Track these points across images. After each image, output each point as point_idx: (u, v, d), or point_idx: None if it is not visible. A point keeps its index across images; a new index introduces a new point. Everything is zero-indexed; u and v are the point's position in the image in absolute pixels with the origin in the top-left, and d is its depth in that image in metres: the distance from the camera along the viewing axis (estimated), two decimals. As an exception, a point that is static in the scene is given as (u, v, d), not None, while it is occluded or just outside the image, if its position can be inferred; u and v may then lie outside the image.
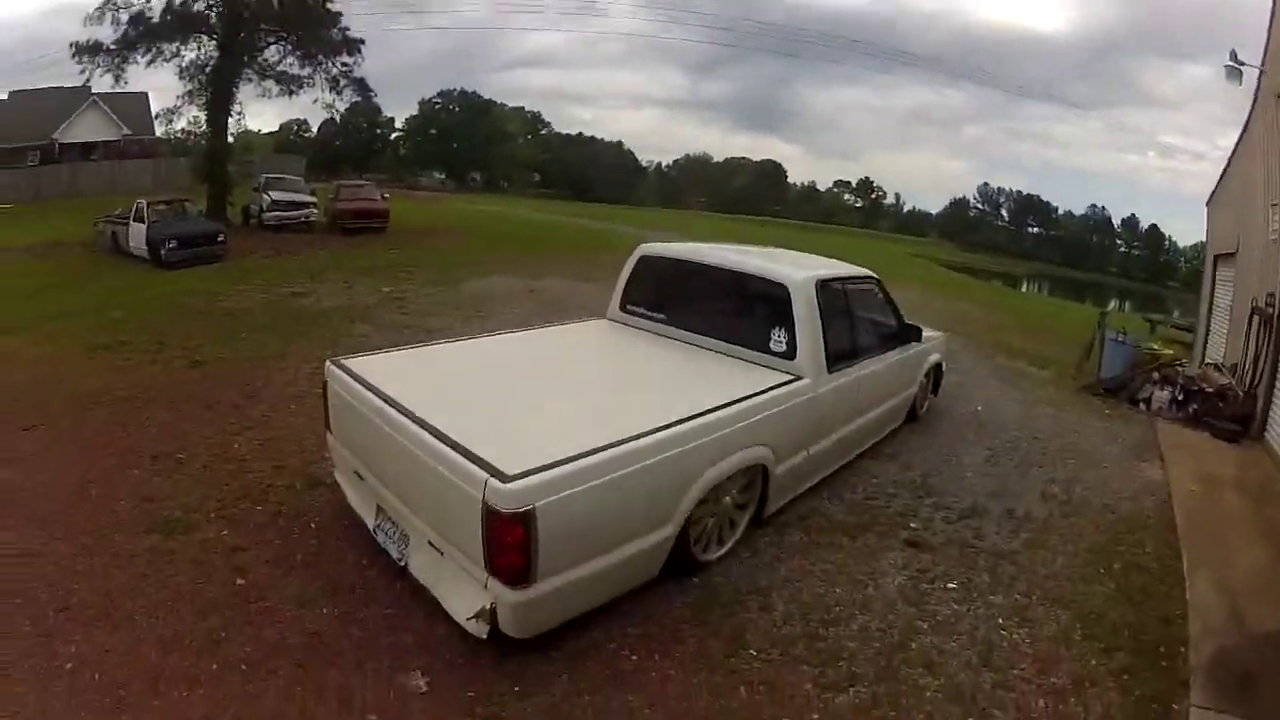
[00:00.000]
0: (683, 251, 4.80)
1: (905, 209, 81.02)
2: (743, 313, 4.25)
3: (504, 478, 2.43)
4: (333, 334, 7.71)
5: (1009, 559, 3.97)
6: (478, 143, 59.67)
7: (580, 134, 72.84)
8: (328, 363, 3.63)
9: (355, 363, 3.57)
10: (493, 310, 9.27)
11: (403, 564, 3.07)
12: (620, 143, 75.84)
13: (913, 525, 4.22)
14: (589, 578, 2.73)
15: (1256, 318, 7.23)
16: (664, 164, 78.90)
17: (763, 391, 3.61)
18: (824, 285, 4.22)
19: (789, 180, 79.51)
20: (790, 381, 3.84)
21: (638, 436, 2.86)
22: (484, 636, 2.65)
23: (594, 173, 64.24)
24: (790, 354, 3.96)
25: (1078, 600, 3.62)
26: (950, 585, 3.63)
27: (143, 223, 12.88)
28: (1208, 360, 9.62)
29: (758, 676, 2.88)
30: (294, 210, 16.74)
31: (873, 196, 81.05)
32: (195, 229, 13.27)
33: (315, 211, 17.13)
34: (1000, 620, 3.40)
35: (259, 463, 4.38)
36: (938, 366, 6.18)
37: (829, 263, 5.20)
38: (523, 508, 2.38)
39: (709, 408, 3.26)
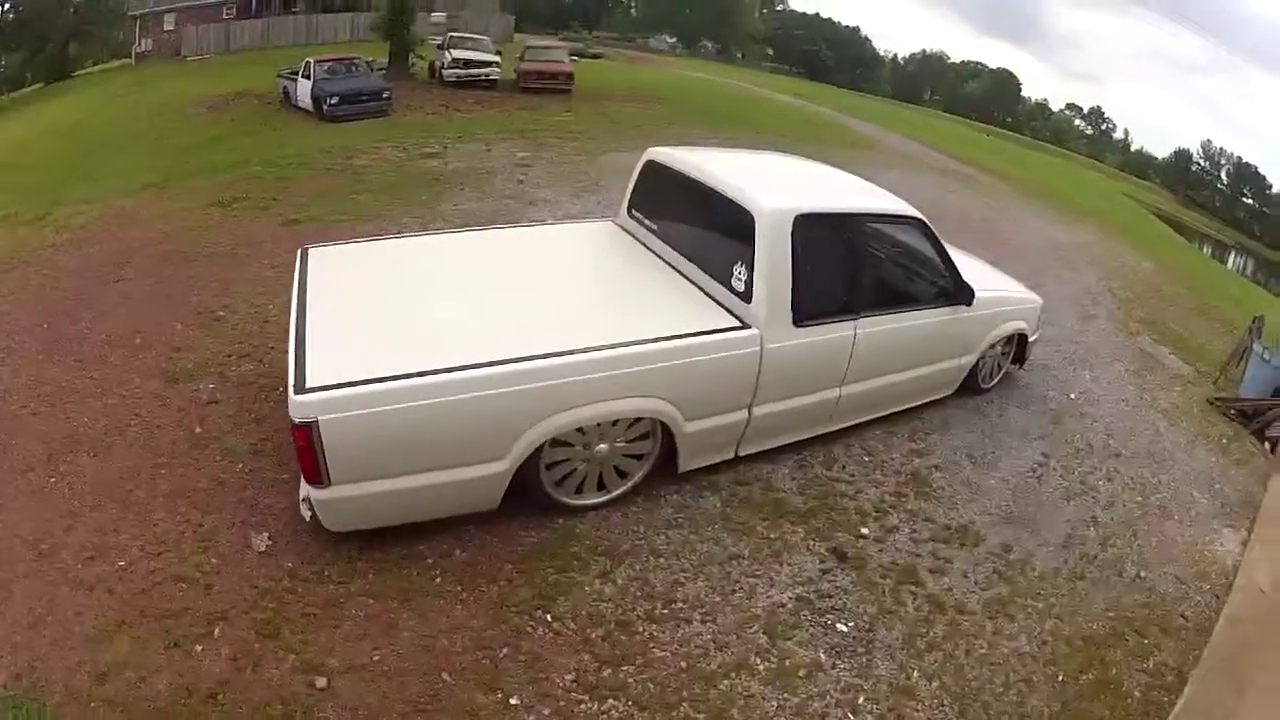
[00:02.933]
0: (679, 159, 3.42)
1: (1132, 147, 60.84)
2: (719, 239, 3.00)
3: (299, 389, 2.18)
4: (432, 200, 6.66)
5: (949, 617, 2.63)
6: (712, 10, 50.93)
7: (818, 14, 59.60)
8: (300, 250, 3.15)
9: (322, 251, 3.14)
10: (611, 189, 7.69)
11: None
12: (858, 28, 61.24)
13: (863, 531, 2.95)
14: (397, 493, 2.32)
15: None
16: (900, 56, 63.47)
17: (672, 338, 2.56)
18: (812, 219, 2.82)
19: (1022, 93, 61.86)
20: (730, 330, 2.69)
21: (465, 368, 2.30)
22: (307, 519, 2.45)
23: (829, 55, 53.82)
24: (746, 297, 2.76)
25: (992, 714, 2.30)
26: (840, 627, 2.48)
27: (309, 79, 11.78)
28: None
29: (532, 645, 2.25)
30: (473, 69, 15.02)
31: (1102, 127, 62.14)
32: (358, 86, 11.83)
33: (498, 71, 15.26)
34: (860, 703, 2.25)
35: (279, 325, 4.07)
36: (1021, 336, 4.21)
37: (855, 190, 3.58)
38: (306, 419, 2.12)
39: (576, 348, 2.41)
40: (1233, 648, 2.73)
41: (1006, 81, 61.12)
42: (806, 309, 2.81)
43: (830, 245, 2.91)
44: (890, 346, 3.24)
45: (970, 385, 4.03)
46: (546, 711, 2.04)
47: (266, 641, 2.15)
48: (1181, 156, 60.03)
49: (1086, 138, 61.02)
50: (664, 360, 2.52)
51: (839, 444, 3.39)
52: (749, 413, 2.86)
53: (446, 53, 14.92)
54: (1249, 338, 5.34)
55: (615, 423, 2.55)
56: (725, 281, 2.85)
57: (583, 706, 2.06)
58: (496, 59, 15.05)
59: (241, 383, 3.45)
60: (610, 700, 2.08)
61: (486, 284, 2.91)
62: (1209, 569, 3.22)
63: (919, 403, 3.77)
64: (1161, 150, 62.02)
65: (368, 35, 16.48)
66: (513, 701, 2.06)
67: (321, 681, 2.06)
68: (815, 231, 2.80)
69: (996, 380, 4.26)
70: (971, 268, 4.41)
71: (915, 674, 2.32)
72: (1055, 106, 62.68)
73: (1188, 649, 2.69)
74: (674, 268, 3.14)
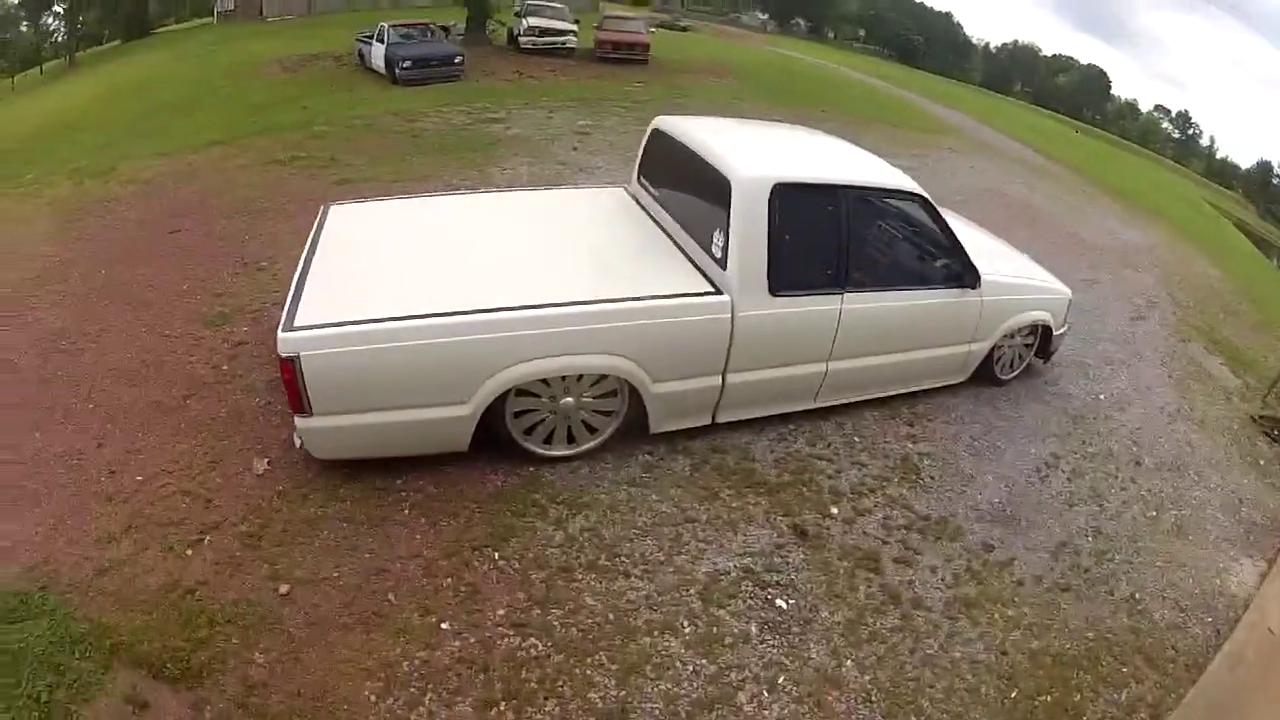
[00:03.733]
0: (679, 128, 3.22)
1: (1217, 154, 54.75)
2: (705, 206, 2.81)
3: (287, 327, 2.28)
4: (485, 163, 6.50)
5: (902, 610, 2.40)
6: None
7: None
8: (323, 206, 3.20)
9: (343, 208, 3.19)
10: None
11: None
12: (950, 14, 56.95)
13: (832, 511, 2.72)
14: (372, 427, 2.39)
15: None
16: (992, 45, 58.02)
17: (637, 299, 2.46)
18: (793, 189, 2.62)
19: (1111, 91, 56.41)
20: (700, 295, 2.55)
21: (432, 316, 2.33)
22: (298, 447, 2.54)
23: (920, 39, 49.09)
24: (723, 264, 2.61)
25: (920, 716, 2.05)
26: (780, 603, 2.31)
27: (383, 43, 11.48)
28: None
29: (475, 578, 2.27)
30: (549, 36, 14.46)
31: (1189, 132, 56.40)
32: (430, 51, 11.54)
33: (574, 39, 14.70)
34: (780, 682, 2.08)
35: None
36: (1045, 329, 3.77)
37: (852, 163, 3.27)
38: (289, 353, 2.22)
39: (538, 303, 2.37)
40: (1224, 692, 2.38)
41: (1097, 78, 56.18)
42: (784, 279, 2.63)
43: (814, 216, 2.69)
44: (882, 325, 2.96)
45: (986, 375, 3.66)
46: (471, 639, 2.04)
47: (247, 551, 2.25)
48: (1263, 168, 53.64)
49: (1173, 141, 55.85)
50: (626, 320, 2.44)
51: (830, 421, 3.17)
52: (723, 379, 2.70)
53: (523, 20, 14.46)
54: None
55: (580, 378, 2.47)
56: (707, 248, 2.70)
57: (505, 640, 2.05)
58: (573, 27, 14.52)
59: (271, 327, 3.58)
60: (533, 639, 2.06)
61: (483, 243, 2.89)
62: (1215, 599, 2.81)
63: (922, 387, 3.46)
64: (1246, 160, 55.23)
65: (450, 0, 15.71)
66: (444, 626, 2.08)
67: (285, 588, 2.14)
68: (797, 201, 2.60)
69: (1017, 372, 3.85)
70: (994, 252, 3.94)
71: (848, 663, 2.14)
72: (1144, 107, 57.12)
73: (1172, 685, 2.36)
74: (667, 233, 2.99)
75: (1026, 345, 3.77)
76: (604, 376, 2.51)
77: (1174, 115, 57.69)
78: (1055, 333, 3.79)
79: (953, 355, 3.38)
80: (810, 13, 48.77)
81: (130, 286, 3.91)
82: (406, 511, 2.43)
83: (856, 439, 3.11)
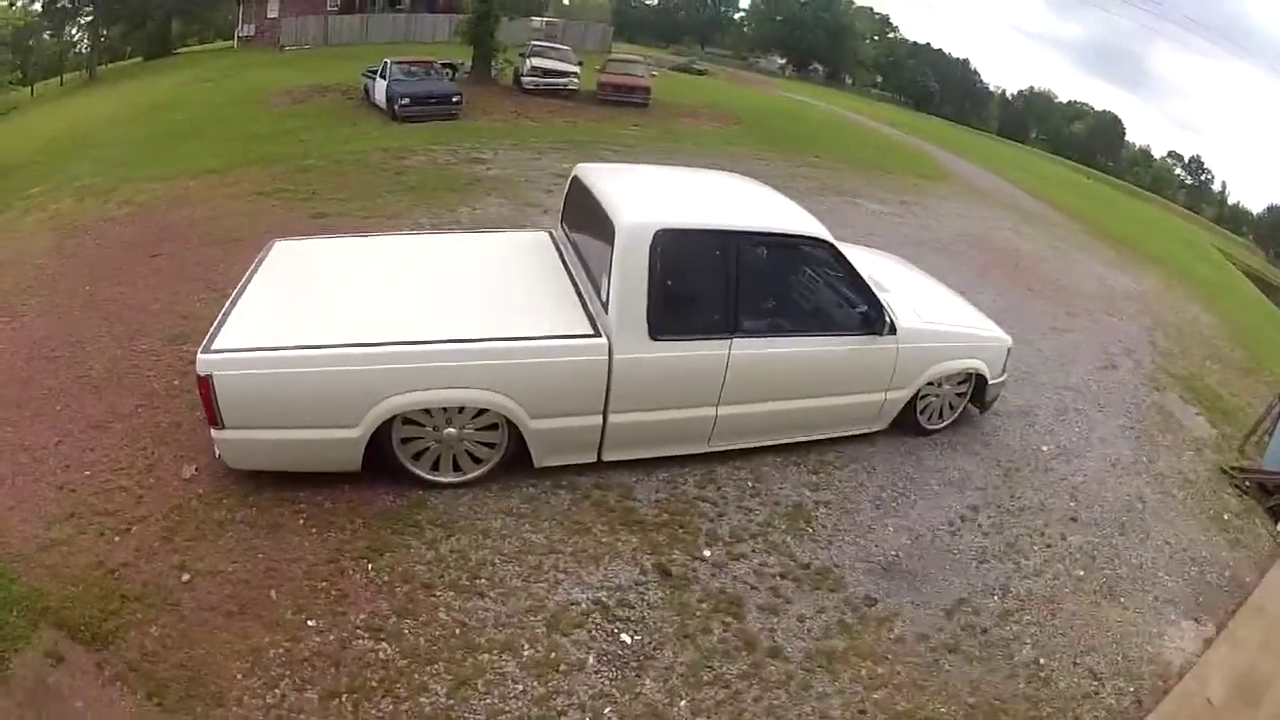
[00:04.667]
0: (589, 173, 3.39)
1: (1229, 200, 51.96)
2: (599, 250, 2.94)
3: (206, 349, 2.50)
4: (456, 202, 6.66)
5: (755, 659, 2.34)
6: (823, 34, 47.27)
7: (928, 44, 54.89)
8: (270, 242, 3.43)
9: (287, 244, 3.43)
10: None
11: None
12: (967, 61, 56.70)
13: (704, 554, 2.72)
14: (275, 442, 2.61)
15: None
16: (1008, 93, 57.13)
17: (515, 339, 2.62)
18: (678, 234, 2.71)
19: (1126, 138, 54.32)
20: (578, 337, 2.67)
21: (327, 347, 2.55)
22: (218, 456, 2.76)
23: (937, 86, 48.31)
24: (605, 307, 2.72)
25: None
26: (625, 638, 2.34)
27: (385, 79, 11.52)
28: None
29: (347, 585, 2.42)
30: (551, 78, 14.33)
31: (1201, 178, 53.77)
32: (430, 89, 11.55)
33: (576, 81, 14.55)
34: (605, 713, 2.12)
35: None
36: (979, 376, 3.60)
37: (753, 209, 3.29)
38: (204, 372, 2.45)
39: (422, 339, 2.57)
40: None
41: (1110, 125, 54.32)
42: (665, 323, 2.72)
43: (701, 262, 2.78)
44: (778, 371, 2.99)
45: (910, 424, 3.56)
46: (331, 637, 2.20)
47: (163, 542, 2.50)
48: (1274, 213, 50.01)
49: (1185, 187, 53.28)
50: (502, 358, 2.59)
51: (727, 465, 3.19)
52: (604, 419, 2.80)
53: (527, 60, 14.48)
54: (1278, 402, 4.03)
55: (461, 410, 2.64)
56: (597, 291, 2.84)
57: (359, 642, 2.20)
58: (576, 69, 14.51)
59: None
60: (384, 643, 2.20)
61: (399, 282, 3.10)
62: (1143, 667, 2.60)
63: (832, 435, 3.42)
64: (1257, 206, 52.01)
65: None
66: (310, 623, 2.25)
67: (187, 577, 2.37)
68: (683, 247, 2.71)
69: (947, 422, 3.73)
70: (928, 297, 3.87)
71: (682, 704, 2.16)
72: (1158, 153, 54.81)
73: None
74: (571, 277, 3.14)
75: (958, 394, 3.67)
76: (483, 410, 2.65)
77: (1186, 161, 55.34)
78: (990, 381, 3.66)
79: (864, 403, 3.35)
80: (828, 59, 48.39)
81: (108, 303, 4.26)
82: (301, 521, 2.63)
83: (750, 484, 3.12)
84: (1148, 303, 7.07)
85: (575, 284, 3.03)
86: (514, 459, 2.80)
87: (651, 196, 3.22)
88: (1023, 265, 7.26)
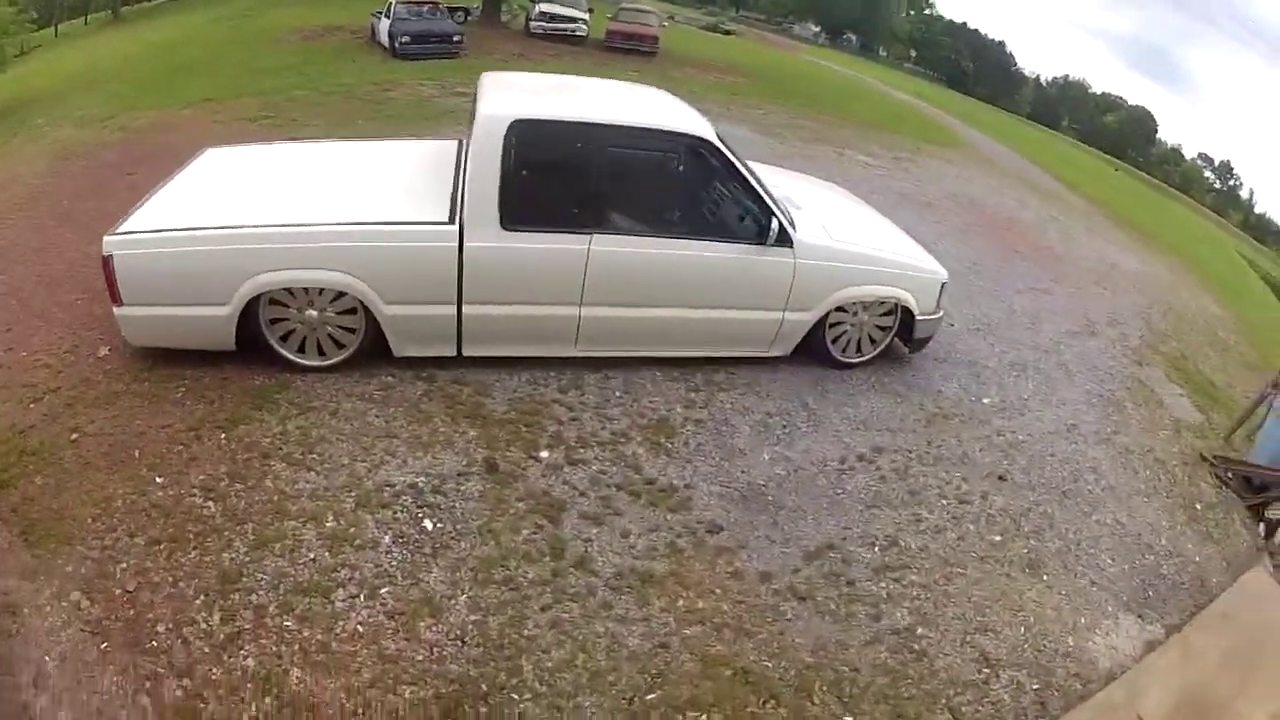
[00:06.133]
0: (489, 77, 3.01)
1: (1256, 209, 44.55)
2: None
3: (111, 233, 2.49)
4: (424, 129, 5.97)
5: (557, 566, 2.03)
6: (857, 4, 42.13)
7: (965, 24, 49.39)
8: (204, 148, 3.35)
9: (219, 150, 3.31)
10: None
11: None
12: (1003, 43, 51.24)
13: (541, 455, 2.46)
14: (163, 319, 2.59)
15: None
16: (1043, 78, 51.71)
17: (364, 223, 2.46)
18: (536, 125, 2.47)
19: (1157, 136, 47.82)
20: (428, 224, 2.49)
21: (204, 229, 2.48)
22: (123, 335, 2.80)
23: (971, 65, 42.39)
24: (463, 196, 2.55)
25: (513, 685, 1.72)
26: (426, 524, 2.13)
27: (388, 18, 10.98)
28: None
29: (197, 450, 2.32)
30: (557, 23, 13.23)
31: (1230, 183, 46.81)
32: (430, 28, 10.87)
33: (584, 28, 13.45)
34: (381, 592, 1.89)
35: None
36: (905, 311, 2.98)
37: (627, 104, 2.91)
38: (106, 253, 2.46)
39: (282, 222, 2.49)
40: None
41: (1143, 120, 48.25)
42: (518, 214, 2.49)
43: (563, 154, 2.54)
44: (649, 274, 2.68)
45: (824, 355, 3.04)
46: (170, 493, 2.19)
47: (66, 409, 2.57)
48: None
49: (1213, 191, 46.81)
50: (355, 240, 2.47)
51: (600, 373, 2.92)
52: (459, 310, 2.63)
53: (535, 5, 13.64)
54: (1272, 390, 2.96)
55: (321, 292, 2.55)
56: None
57: (192, 499, 2.18)
58: (585, 16, 13.61)
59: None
60: (211, 502, 2.18)
61: (302, 178, 3.02)
62: (1056, 661, 1.96)
63: (722, 354, 3.02)
64: None
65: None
66: (157, 480, 2.24)
67: (74, 436, 2.42)
68: (541, 138, 2.48)
69: (867, 357, 3.16)
70: (850, 221, 3.36)
71: (461, 599, 2.01)
72: (1188, 154, 48.40)
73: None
74: (459, 175, 2.86)
75: (881, 328, 3.12)
76: (342, 294, 2.56)
77: (1216, 165, 48.92)
78: (920, 317, 3.08)
79: (756, 321, 2.94)
80: (862, 29, 43.58)
81: (81, 215, 4.33)
82: (180, 394, 2.64)
83: (618, 394, 2.85)
84: (1150, 284, 5.90)
85: (459, 181, 2.81)
86: (380, 349, 2.68)
87: (523, 92, 2.98)
88: (1015, 231, 6.31)
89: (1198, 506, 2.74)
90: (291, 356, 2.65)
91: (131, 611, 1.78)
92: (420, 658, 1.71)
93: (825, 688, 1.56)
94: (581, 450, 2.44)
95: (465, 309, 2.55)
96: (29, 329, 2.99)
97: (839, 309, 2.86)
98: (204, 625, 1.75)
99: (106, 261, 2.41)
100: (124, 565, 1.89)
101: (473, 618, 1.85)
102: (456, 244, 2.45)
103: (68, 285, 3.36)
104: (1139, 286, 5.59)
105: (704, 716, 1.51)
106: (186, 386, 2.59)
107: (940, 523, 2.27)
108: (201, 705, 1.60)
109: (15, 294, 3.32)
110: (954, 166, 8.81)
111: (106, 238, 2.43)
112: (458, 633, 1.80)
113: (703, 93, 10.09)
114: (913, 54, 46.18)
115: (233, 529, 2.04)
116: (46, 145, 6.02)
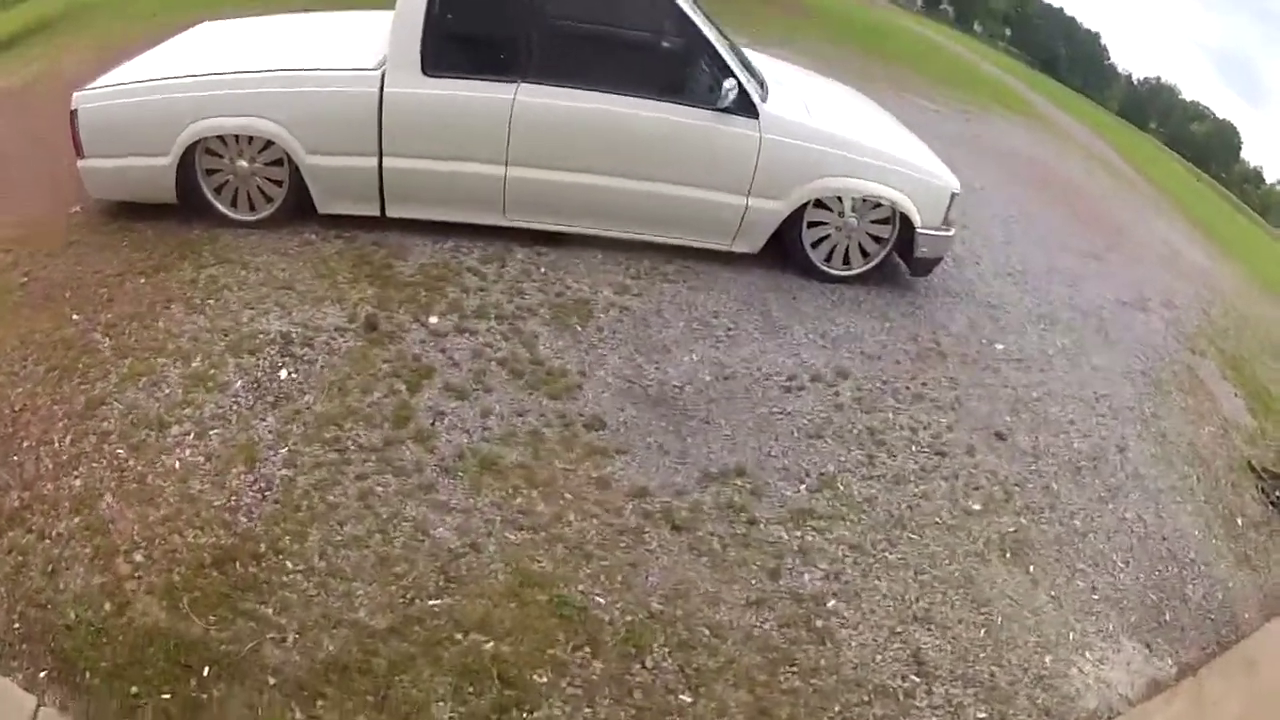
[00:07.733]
0: None
1: None
2: None
3: (80, 89, 2.31)
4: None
5: (394, 436, 1.60)
6: None
7: (1062, 10, 39.69)
8: (202, 19, 3.14)
9: (213, 22, 2.94)
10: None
11: None
12: (1099, 35, 40.05)
13: (430, 320, 1.98)
14: (117, 170, 2.36)
15: None
16: (1135, 77, 40.18)
17: (285, 69, 2.21)
18: None
19: (1241, 154, 34.69)
20: (349, 69, 2.16)
21: (150, 80, 2.27)
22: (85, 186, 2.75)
23: (1065, 53, 35.14)
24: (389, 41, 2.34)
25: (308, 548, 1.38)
26: (282, 374, 1.76)
27: None
28: None
29: (119, 293, 2.04)
30: None
31: None
32: None
33: None
34: (211, 432, 1.60)
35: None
36: (905, 220, 2.11)
37: None
38: (72, 107, 2.28)
39: (217, 71, 2.23)
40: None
41: (1228, 135, 36.69)
42: (440, 58, 2.08)
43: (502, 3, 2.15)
44: (583, 131, 2.14)
45: (800, 259, 2.28)
46: (79, 329, 1.98)
47: (28, 258, 2.39)
48: None
49: None
50: (278, 86, 2.22)
51: (532, 248, 2.37)
52: (379, 163, 2.25)
53: None
54: None
55: (250, 141, 2.30)
56: None
57: (94, 335, 1.98)
58: None
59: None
60: (108, 338, 1.96)
61: (274, 40, 2.71)
62: (1019, 685, 1.16)
63: (677, 241, 2.35)
64: None
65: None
66: (74, 317, 2.06)
67: (24, 280, 2.29)
68: None
69: (857, 271, 2.34)
70: (841, 109, 2.66)
71: (281, 452, 1.62)
72: (1269, 178, 35.66)
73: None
74: None
75: (875, 238, 2.31)
76: (270, 144, 2.29)
77: None
78: (921, 230, 2.23)
79: (713, 204, 2.27)
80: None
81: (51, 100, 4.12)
82: (124, 244, 2.45)
83: (543, 270, 2.33)
84: (1214, 280, 4.29)
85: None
86: (310, 206, 2.38)
87: None
88: (1076, 194, 4.84)
89: (1239, 521, 1.84)
90: (224, 209, 2.42)
91: (10, 429, 1.67)
92: (218, 504, 1.44)
93: (668, 649, 1.01)
94: (476, 321, 1.98)
95: (386, 161, 2.18)
96: (25, 196, 2.70)
97: (819, 204, 2.14)
98: (57, 445, 1.60)
99: (73, 116, 2.28)
100: (20, 390, 1.80)
101: (283, 472, 1.52)
102: (377, 90, 2.11)
103: (39, 160, 2.88)
104: (1202, 278, 4.13)
105: (490, 644, 1.03)
106: (130, 238, 2.43)
107: (902, 472, 1.57)
108: (29, 516, 1.45)
109: (15, 164, 3.00)
110: (1022, 130, 7.03)
111: (75, 94, 2.31)
112: (262, 485, 1.49)
113: (748, 25, 8.18)
114: (1008, 32, 40.34)
115: (114, 363, 1.88)
116: (84, 45, 5.35)
